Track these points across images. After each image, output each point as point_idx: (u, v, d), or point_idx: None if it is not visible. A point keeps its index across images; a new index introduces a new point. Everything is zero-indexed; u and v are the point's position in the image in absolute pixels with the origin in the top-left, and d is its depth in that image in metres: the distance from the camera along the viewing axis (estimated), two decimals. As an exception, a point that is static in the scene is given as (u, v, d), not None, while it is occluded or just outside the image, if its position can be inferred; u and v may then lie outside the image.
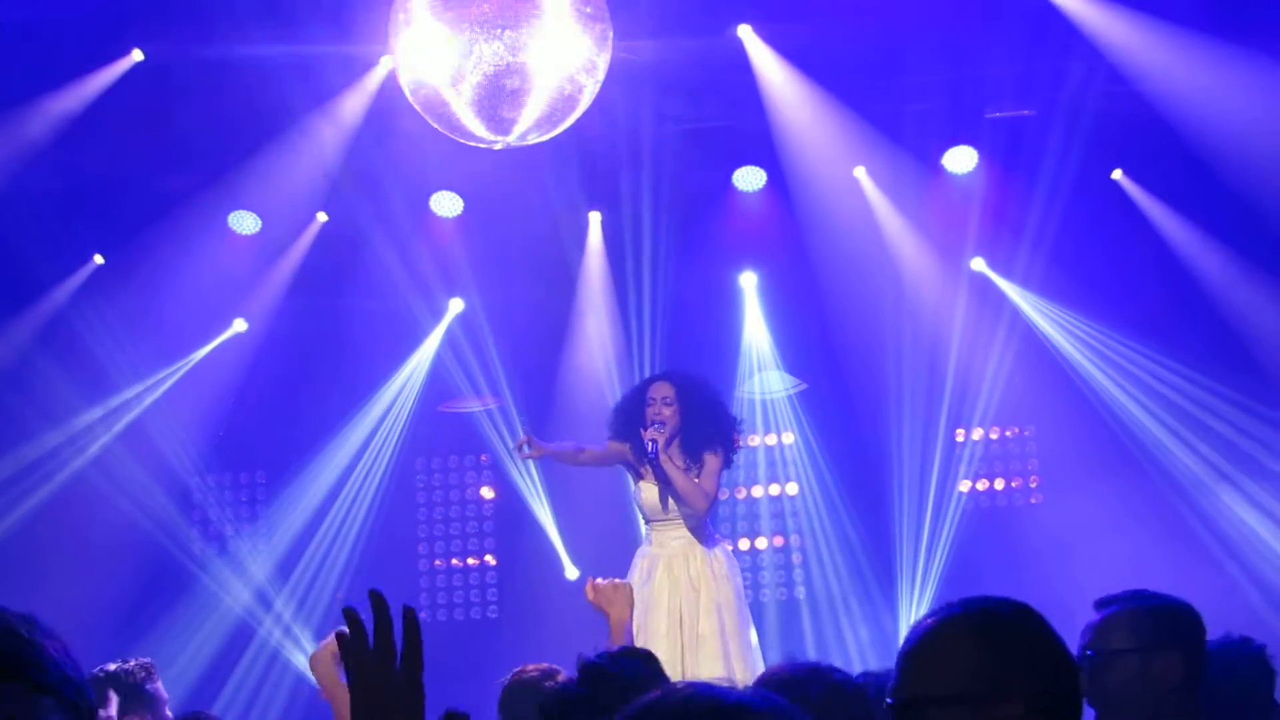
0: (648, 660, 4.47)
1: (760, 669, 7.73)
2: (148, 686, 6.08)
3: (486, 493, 12.84)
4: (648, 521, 8.73)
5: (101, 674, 5.99)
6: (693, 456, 8.53)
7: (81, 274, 11.80)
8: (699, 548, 8.53)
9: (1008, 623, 2.67)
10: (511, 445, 11.88)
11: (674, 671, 7.94)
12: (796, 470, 12.47)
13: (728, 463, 8.66)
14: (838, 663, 10.79)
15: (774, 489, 12.62)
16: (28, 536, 11.49)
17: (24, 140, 10.43)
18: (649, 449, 8.37)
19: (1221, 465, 11.52)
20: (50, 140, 10.47)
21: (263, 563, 12.26)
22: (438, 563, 12.82)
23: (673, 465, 8.41)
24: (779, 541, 12.58)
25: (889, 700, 2.69)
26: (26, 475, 11.62)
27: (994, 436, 12.42)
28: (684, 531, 8.53)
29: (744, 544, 12.49)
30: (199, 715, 5.74)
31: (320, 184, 11.31)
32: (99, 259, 11.87)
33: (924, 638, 2.68)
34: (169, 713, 6.21)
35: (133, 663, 6.18)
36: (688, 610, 8.40)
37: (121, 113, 10.56)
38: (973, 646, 2.62)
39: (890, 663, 2.78)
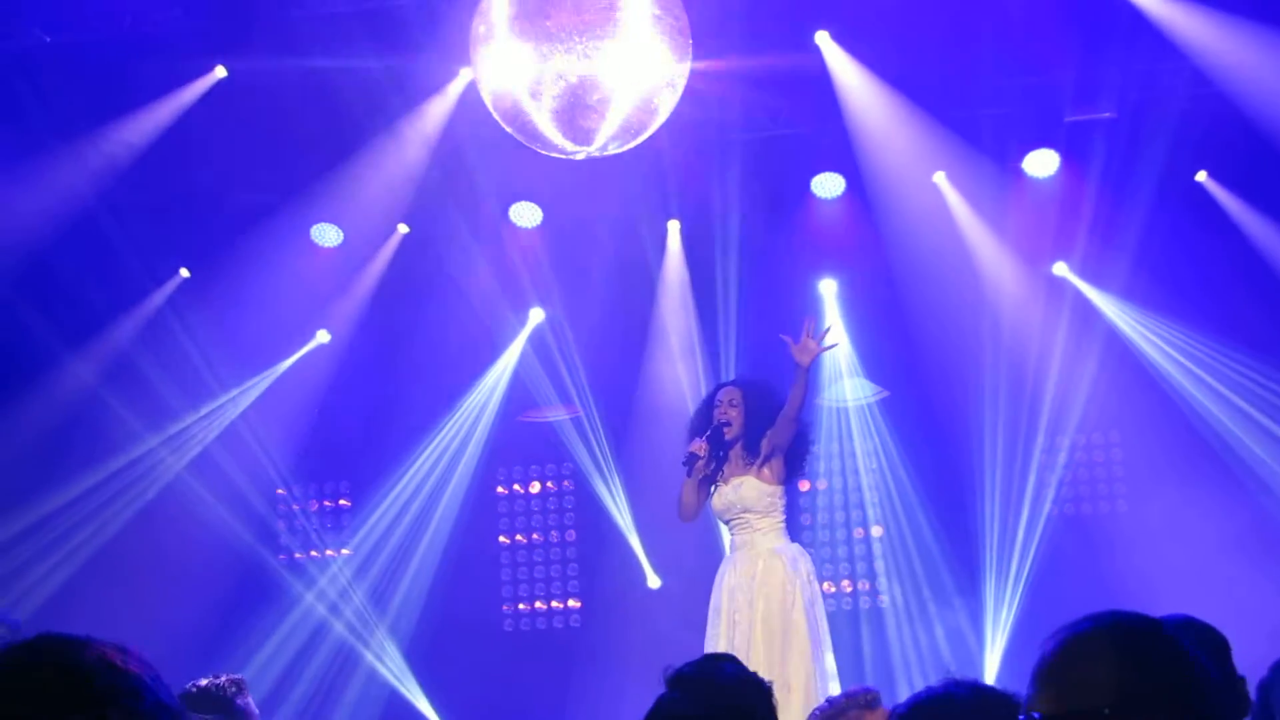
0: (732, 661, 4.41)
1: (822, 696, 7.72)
2: (239, 701, 6.11)
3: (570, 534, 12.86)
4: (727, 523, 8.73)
5: (194, 689, 6.03)
6: (752, 452, 8.55)
7: (168, 288, 11.94)
8: (765, 546, 8.50)
9: (1145, 638, 2.64)
10: (594, 452, 12.03)
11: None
12: (878, 479, 12.40)
13: (797, 459, 8.63)
14: (920, 673, 10.74)
15: (858, 531, 12.55)
16: (120, 547, 11.63)
17: (111, 156, 10.58)
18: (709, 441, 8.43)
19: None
20: (137, 156, 10.61)
21: (347, 571, 12.34)
22: (520, 573, 12.84)
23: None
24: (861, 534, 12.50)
25: (1022, 717, 2.64)
26: (112, 488, 11.75)
27: (1080, 443, 12.26)
28: (749, 533, 8.52)
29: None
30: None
31: (401, 196, 11.37)
32: (184, 272, 12.01)
33: (1060, 652, 2.64)
34: None
35: (224, 678, 6.21)
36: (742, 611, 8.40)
37: (206, 128, 10.69)
38: (1113, 661, 2.57)
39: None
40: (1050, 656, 2.64)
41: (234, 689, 6.11)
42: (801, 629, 8.28)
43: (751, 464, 8.51)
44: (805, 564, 8.51)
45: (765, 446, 8.43)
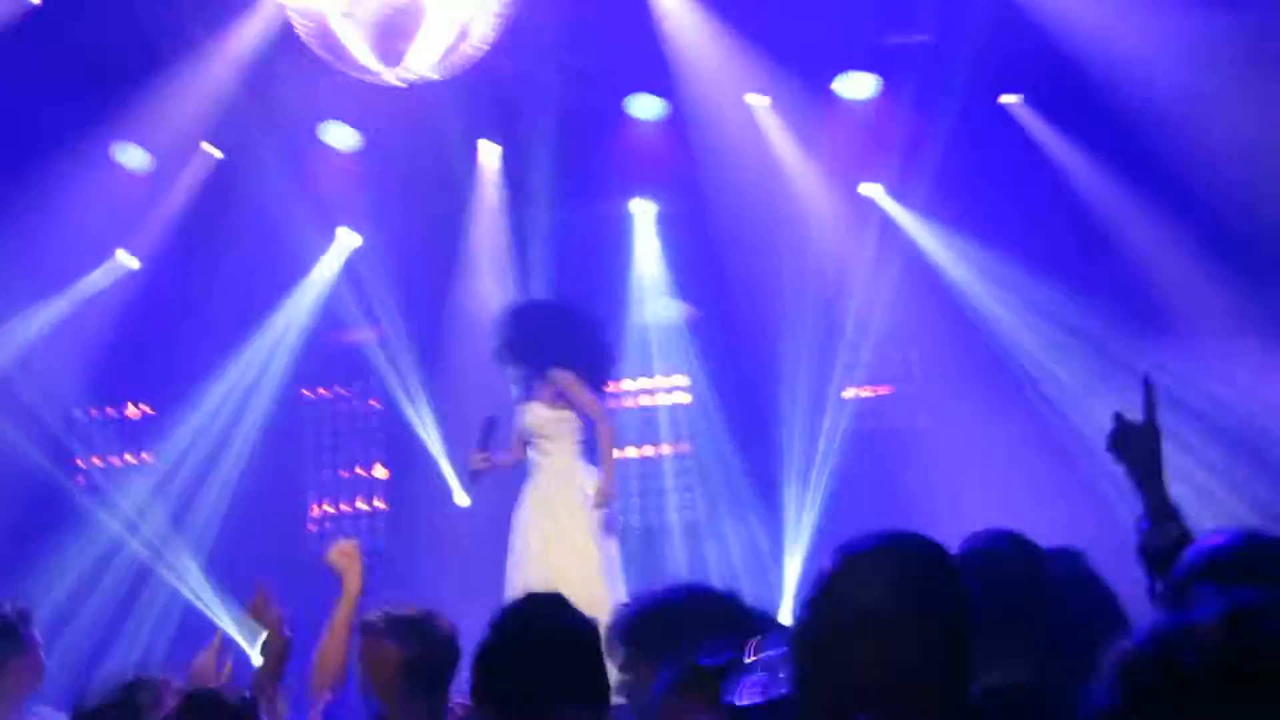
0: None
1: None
2: (23, 632, 5.95)
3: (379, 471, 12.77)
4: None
5: None
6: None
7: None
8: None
9: (915, 557, 2.75)
10: (402, 372, 11.93)
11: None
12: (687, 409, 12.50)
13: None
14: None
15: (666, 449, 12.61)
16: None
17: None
18: None
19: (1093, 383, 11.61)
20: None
21: (146, 492, 12.04)
22: (326, 506, 12.70)
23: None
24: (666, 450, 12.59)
25: (794, 637, 2.79)
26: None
27: (882, 359, 12.40)
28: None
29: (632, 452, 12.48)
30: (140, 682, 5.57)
31: (209, 117, 11.02)
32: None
33: (833, 575, 2.75)
34: (43, 658, 6.08)
35: (8, 606, 6.02)
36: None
37: (9, 47, 10.20)
38: (882, 581, 2.68)
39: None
40: (824, 577, 2.76)
41: (17, 616, 5.95)
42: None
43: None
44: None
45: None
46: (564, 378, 8.78)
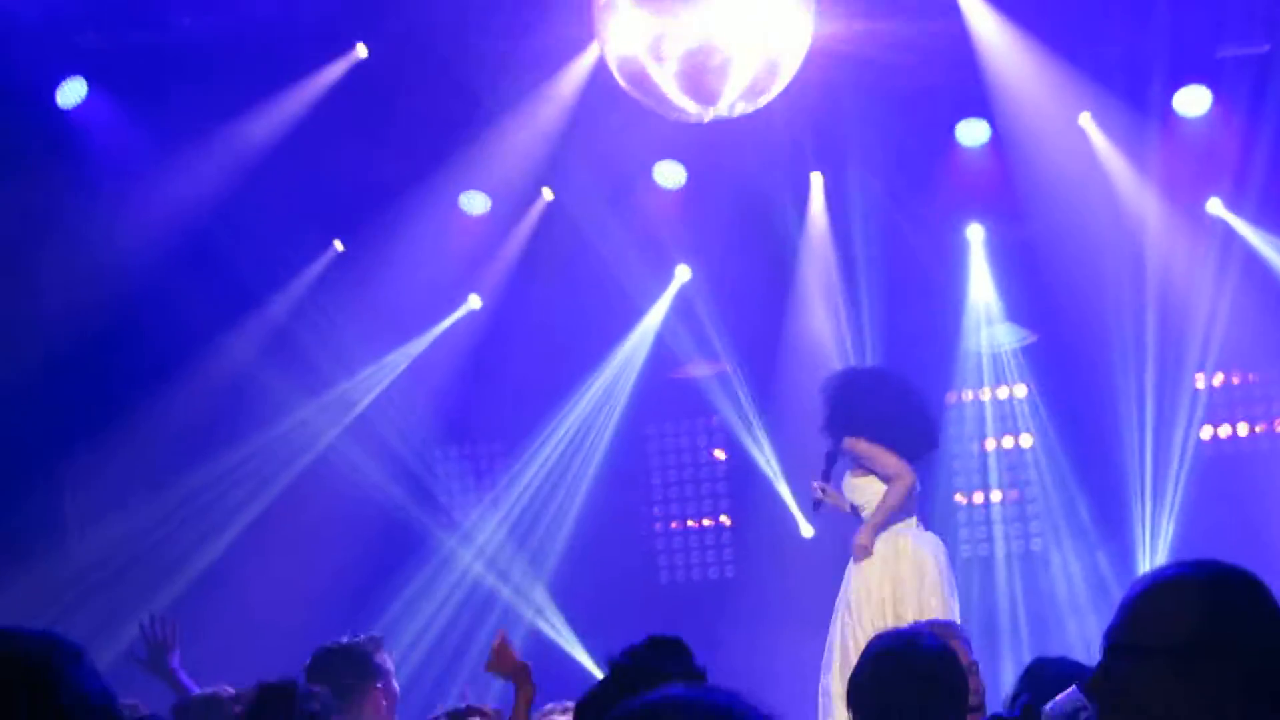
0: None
1: None
2: (375, 658, 6.42)
3: (719, 454, 13.02)
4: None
5: (333, 647, 6.35)
6: None
7: (321, 262, 12.30)
8: None
9: (1232, 586, 2.67)
10: (740, 405, 12.22)
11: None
12: (1028, 424, 12.34)
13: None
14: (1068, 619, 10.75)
15: (1007, 441, 12.50)
16: (275, 514, 12.05)
17: (258, 138, 10.95)
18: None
19: None
20: (284, 137, 10.96)
21: (498, 531, 12.65)
22: (673, 525, 13.06)
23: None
24: (1013, 495, 12.46)
25: (1103, 642, 2.72)
26: (274, 459, 12.16)
27: (1235, 381, 12.07)
28: None
29: (978, 497, 12.42)
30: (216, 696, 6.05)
31: (544, 162, 11.59)
32: (339, 245, 12.36)
33: (1146, 589, 2.70)
34: (396, 685, 6.53)
35: (362, 637, 6.52)
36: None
37: (351, 105, 11.01)
38: (1191, 603, 2.62)
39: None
40: (1136, 591, 2.72)
41: (371, 645, 6.44)
42: None
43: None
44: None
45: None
46: (856, 444, 8.93)
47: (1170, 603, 2.64)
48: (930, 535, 9.08)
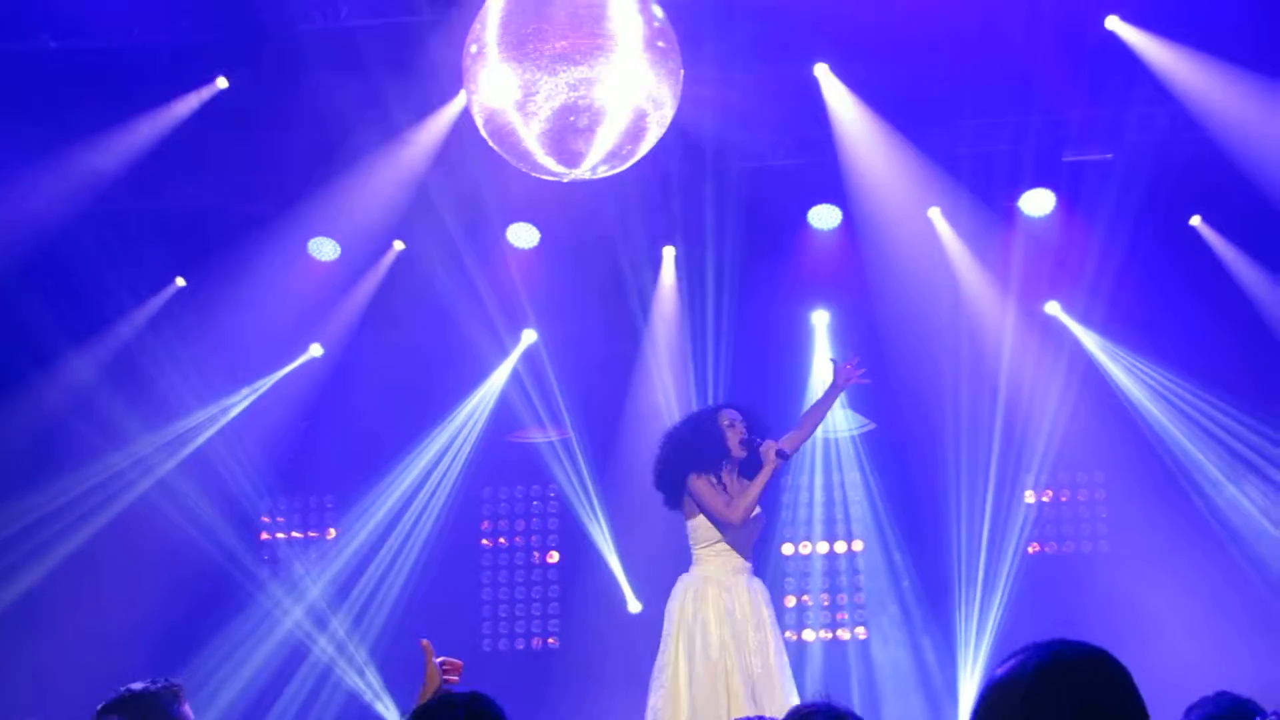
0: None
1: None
2: (173, 710, 6.08)
3: (552, 557, 12.94)
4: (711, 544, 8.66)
5: (125, 693, 6.00)
6: (748, 477, 8.53)
7: (163, 295, 12.04)
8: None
9: (1080, 666, 2.67)
10: (581, 475, 12.13)
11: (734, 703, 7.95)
12: (859, 515, 12.45)
13: None
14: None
15: (839, 546, 12.58)
16: (97, 547, 11.70)
17: (112, 161, 10.69)
18: (782, 451, 8.32)
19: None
20: (138, 161, 10.72)
21: (324, 584, 12.40)
22: (501, 592, 12.90)
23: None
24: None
25: None
26: (103, 490, 11.83)
27: (1064, 486, 12.32)
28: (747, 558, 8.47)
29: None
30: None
31: (397, 212, 11.47)
32: (180, 281, 12.10)
33: (995, 685, 2.68)
34: None
35: (160, 683, 6.18)
36: (743, 641, 8.34)
37: (207, 138, 10.80)
38: (1040, 690, 2.61)
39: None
40: (985, 688, 2.68)
41: (170, 696, 6.06)
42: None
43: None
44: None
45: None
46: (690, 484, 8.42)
47: (1018, 695, 2.63)
48: None
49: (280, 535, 12.92)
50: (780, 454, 8.23)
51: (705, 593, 8.35)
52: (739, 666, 8.03)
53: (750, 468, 8.42)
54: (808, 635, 12.34)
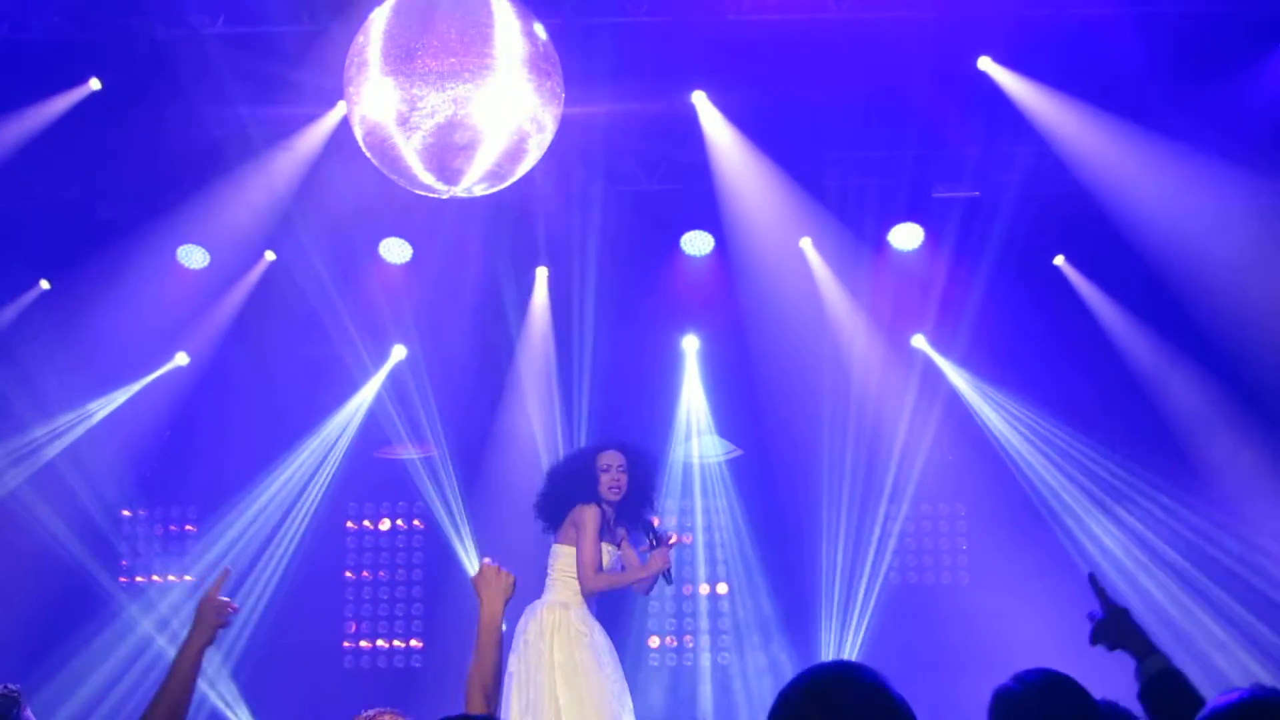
0: None
1: None
2: (13, 714, 5.99)
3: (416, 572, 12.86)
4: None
5: None
6: (622, 524, 8.53)
7: (25, 299, 11.79)
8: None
9: (832, 684, 2.87)
10: (445, 494, 12.05)
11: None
12: (724, 538, 12.52)
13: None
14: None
15: (704, 589, 12.65)
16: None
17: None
18: (662, 537, 8.34)
19: (1134, 545, 11.71)
20: (3, 161, 10.48)
21: (183, 595, 12.20)
22: (364, 609, 12.79)
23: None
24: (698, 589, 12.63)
25: None
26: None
27: (925, 512, 12.49)
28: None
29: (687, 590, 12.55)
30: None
31: (269, 223, 11.34)
32: (44, 284, 11.87)
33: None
34: None
35: (1, 688, 6.06)
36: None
37: (75, 141, 10.60)
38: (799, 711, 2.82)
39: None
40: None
41: (8, 702, 5.95)
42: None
43: (614, 537, 8.54)
44: None
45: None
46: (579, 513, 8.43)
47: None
48: None
49: (139, 548, 12.67)
50: (665, 575, 8.28)
51: (544, 615, 8.37)
52: (531, 684, 8.05)
53: (625, 517, 8.47)
54: (652, 642, 12.36)
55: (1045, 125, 10.68)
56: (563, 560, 8.38)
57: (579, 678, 8.13)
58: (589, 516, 8.24)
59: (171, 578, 12.58)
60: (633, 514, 8.47)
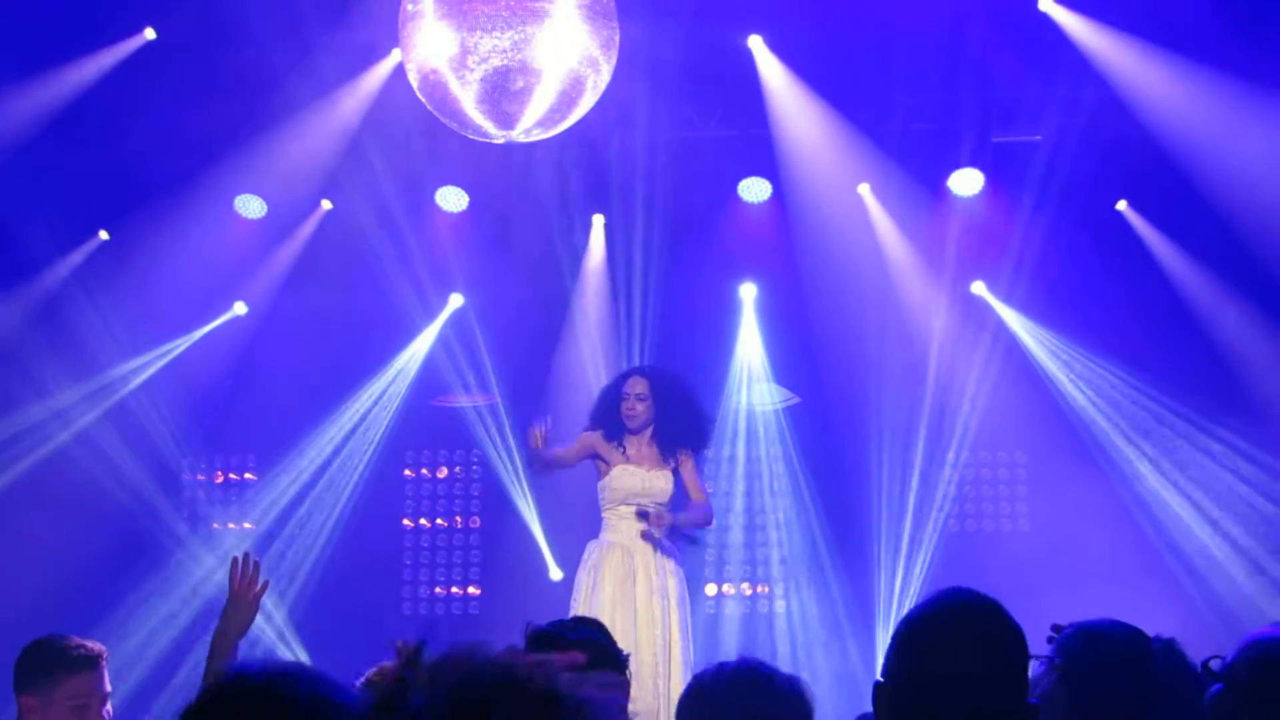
0: (601, 629, 4.48)
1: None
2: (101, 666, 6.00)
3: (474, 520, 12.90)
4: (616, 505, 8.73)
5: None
6: (666, 451, 8.65)
7: (85, 249, 11.87)
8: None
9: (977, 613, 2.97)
10: (506, 441, 12.09)
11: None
12: (781, 488, 12.47)
13: (701, 460, 8.87)
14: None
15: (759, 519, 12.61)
16: (13, 497, 11.53)
17: (35, 111, 10.50)
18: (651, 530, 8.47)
19: (1198, 498, 11.59)
20: (61, 113, 10.53)
21: (243, 543, 12.28)
22: (423, 555, 12.84)
23: (683, 515, 8.65)
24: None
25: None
26: (15, 444, 11.66)
27: (985, 459, 12.38)
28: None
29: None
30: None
31: (326, 172, 11.36)
32: (104, 234, 11.94)
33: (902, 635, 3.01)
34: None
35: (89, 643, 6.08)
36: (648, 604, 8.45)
37: (133, 91, 10.62)
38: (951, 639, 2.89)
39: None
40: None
41: (89, 661, 5.91)
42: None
43: (667, 463, 8.62)
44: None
45: (686, 468, 8.69)
46: (690, 462, 8.92)
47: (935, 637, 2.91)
48: None
49: (201, 493, 12.78)
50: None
51: (606, 558, 8.47)
52: (625, 631, 8.10)
53: (671, 440, 8.61)
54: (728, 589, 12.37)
55: (1108, 67, 10.54)
56: (603, 494, 8.61)
57: (592, 600, 8.29)
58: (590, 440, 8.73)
59: (231, 525, 12.68)
60: (674, 436, 8.62)
